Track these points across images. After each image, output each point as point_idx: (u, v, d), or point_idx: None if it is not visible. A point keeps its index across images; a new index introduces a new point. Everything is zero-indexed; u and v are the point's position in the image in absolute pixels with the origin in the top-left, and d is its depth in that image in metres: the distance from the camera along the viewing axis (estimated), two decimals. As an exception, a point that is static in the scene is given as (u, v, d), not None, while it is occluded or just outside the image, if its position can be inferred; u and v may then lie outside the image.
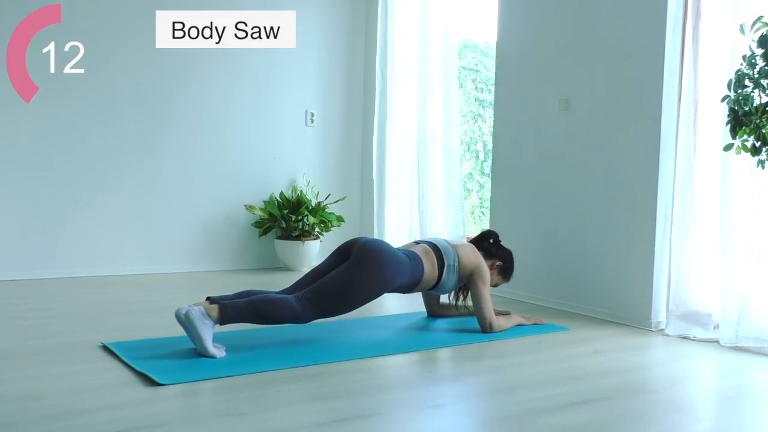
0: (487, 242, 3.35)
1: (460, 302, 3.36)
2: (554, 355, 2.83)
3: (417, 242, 3.20)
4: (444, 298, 3.49)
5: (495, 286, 3.35)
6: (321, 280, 2.76)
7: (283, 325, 2.73)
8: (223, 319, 2.57)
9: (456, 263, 3.08)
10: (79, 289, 3.99)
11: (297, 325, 2.77)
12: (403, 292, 3.05)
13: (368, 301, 2.83)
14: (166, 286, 4.24)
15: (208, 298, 2.65)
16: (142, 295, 3.89)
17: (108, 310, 3.46)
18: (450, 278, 3.09)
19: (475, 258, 3.13)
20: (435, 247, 3.09)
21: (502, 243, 3.39)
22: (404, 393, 2.32)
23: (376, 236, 5.06)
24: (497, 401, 2.29)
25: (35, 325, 3.07)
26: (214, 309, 2.55)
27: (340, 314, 2.82)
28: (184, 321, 2.52)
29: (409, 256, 2.97)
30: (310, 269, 2.98)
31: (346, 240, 3.02)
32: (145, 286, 4.17)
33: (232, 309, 2.58)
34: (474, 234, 3.93)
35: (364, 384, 2.38)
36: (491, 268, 3.27)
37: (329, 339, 2.89)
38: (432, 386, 2.41)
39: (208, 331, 2.53)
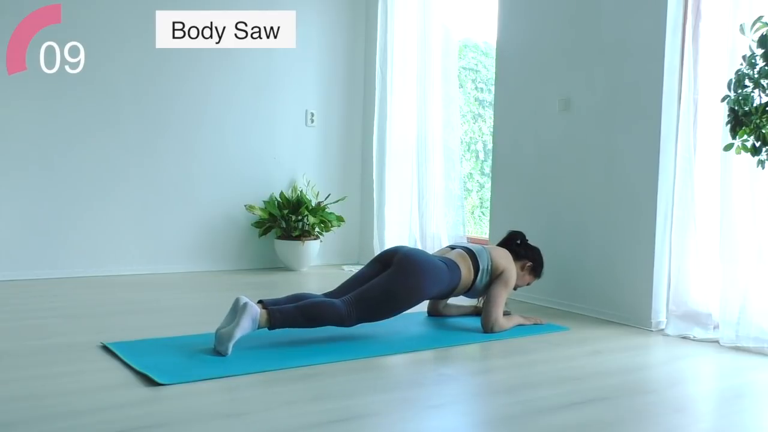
0: (515, 244, 3.42)
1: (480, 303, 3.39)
2: (554, 355, 2.83)
3: (452, 247, 3.29)
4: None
5: (528, 284, 3.45)
6: (366, 287, 2.88)
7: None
8: (272, 324, 2.66)
9: (489, 266, 3.17)
10: (79, 289, 3.99)
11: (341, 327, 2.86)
12: (441, 298, 3.22)
13: (409, 308, 2.96)
14: (166, 286, 4.24)
15: (260, 302, 2.72)
16: (142, 295, 3.89)
17: (108, 310, 3.46)
18: (483, 281, 3.18)
19: (506, 261, 3.23)
20: (470, 252, 3.18)
21: (529, 242, 3.45)
22: (404, 393, 2.32)
23: (376, 236, 5.07)
24: (497, 401, 2.29)
25: (35, 325, 3.07)
26: (264, 315, 2.65)
27: (382, 319, 2.92)
28: (239, 308, 2.60)
29: (447, 263, 3.07)
30: (350, 276, 3.09)
31: (385, 249, 3.12)
32: (145, 286, 4.17)
33: (281, 314, 2.68)
34: (474, 234, 3.94)
35: (364, 384, 2.38)
36: (522, 269, 3.36)
37: (329, 339, 2.89)
38: (432, 386, 2.41)
39: (245, 329, 2.59)
